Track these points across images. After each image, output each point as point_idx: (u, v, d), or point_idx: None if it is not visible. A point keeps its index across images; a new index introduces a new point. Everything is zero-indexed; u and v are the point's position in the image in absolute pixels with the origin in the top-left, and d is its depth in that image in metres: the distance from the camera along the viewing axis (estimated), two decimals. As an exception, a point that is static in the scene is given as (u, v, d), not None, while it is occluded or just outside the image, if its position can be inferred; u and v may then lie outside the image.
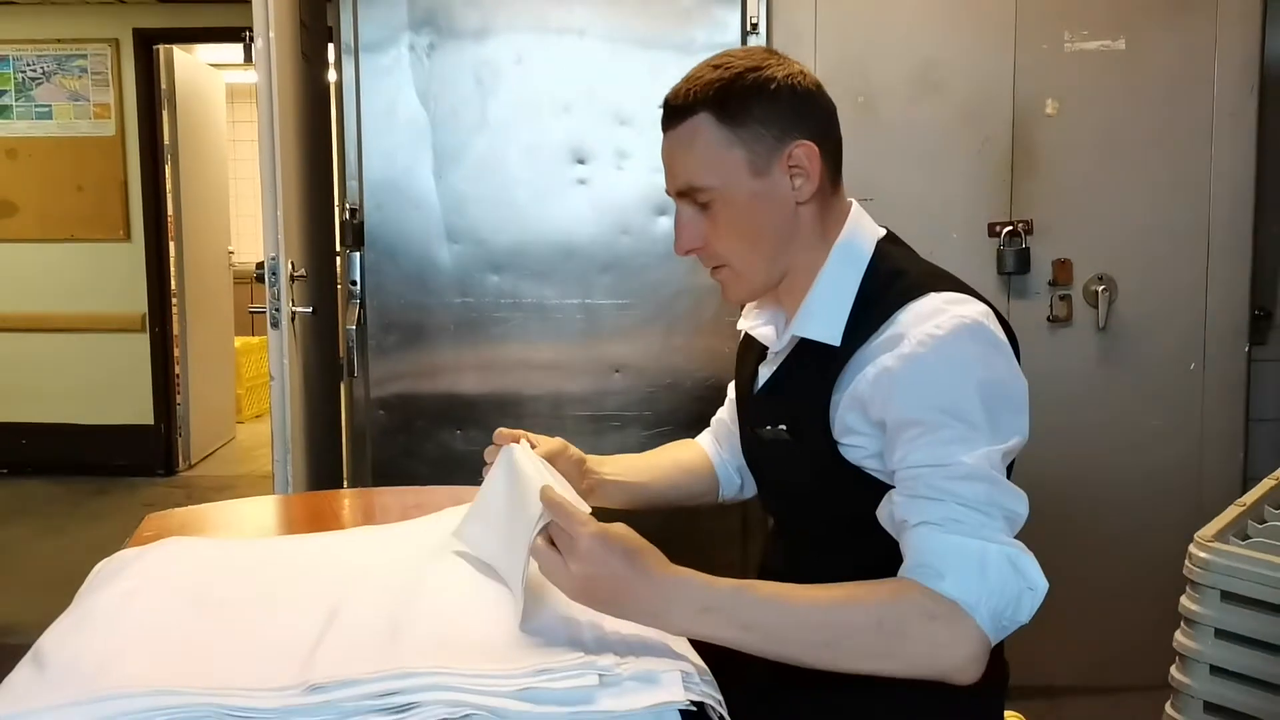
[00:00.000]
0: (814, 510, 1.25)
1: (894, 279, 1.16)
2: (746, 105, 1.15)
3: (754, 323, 1.33)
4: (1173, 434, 2.59)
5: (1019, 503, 1.05)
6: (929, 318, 1.08)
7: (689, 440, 1.54)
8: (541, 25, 2.37)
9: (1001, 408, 1.07)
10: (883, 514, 1.10)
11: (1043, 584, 1.01)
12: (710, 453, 1.50)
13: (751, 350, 1.36)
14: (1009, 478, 1.09)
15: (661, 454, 1.50)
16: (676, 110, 1.18)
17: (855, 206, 1.25)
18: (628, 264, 2.39)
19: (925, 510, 1.04)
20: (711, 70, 1.17)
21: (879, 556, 1.09)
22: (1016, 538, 1.04)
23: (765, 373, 1.29)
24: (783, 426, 1.21)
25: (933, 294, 1.11)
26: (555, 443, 1.32)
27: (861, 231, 1.22)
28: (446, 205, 2.37)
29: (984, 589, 0.99)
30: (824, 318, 1.17)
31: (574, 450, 1.34)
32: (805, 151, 1.17)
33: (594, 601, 0.98)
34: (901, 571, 1.04)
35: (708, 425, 1.56)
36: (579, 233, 2.38)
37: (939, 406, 1.05)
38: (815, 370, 1.17)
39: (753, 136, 1.16)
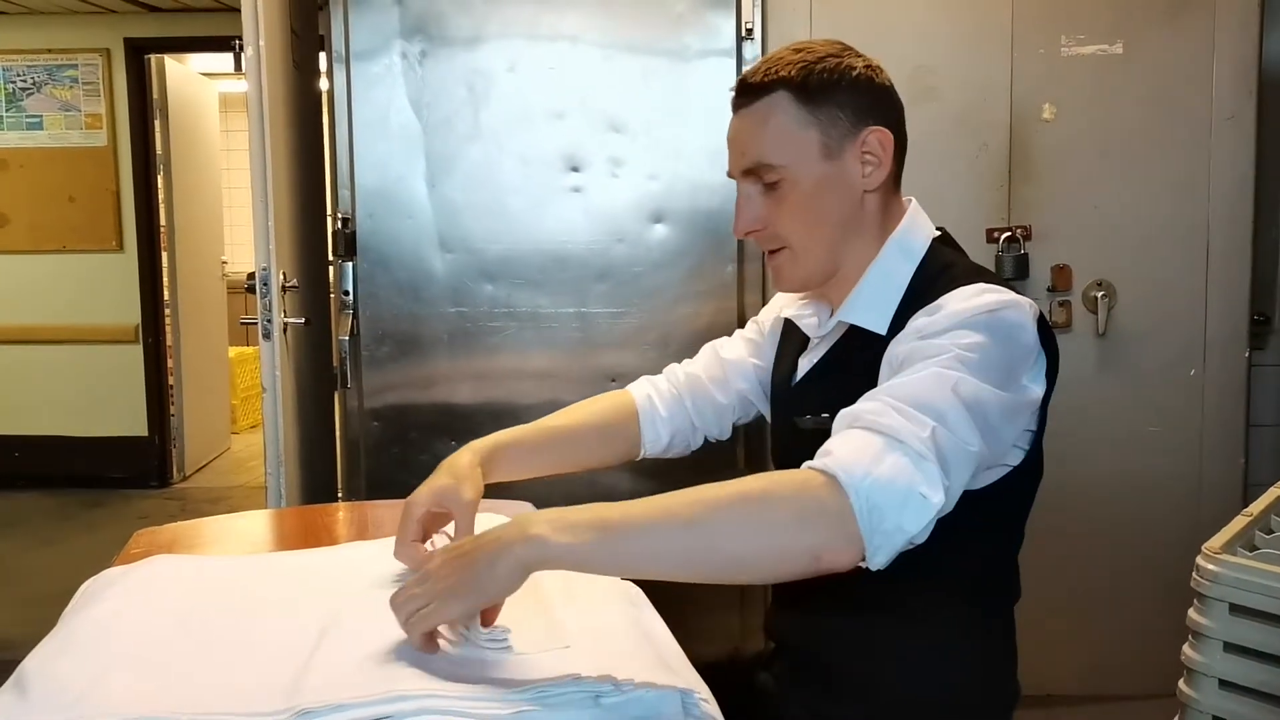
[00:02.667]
0: None
1: (944, 271, 1.17)
2: (827, 87, 1.17)
3: (800, 312, 1.31)
4: (1172, 440, 2.58)
5: (970, 436, 0.97)
6: (971, 296, 1.08)
7: (615, 392, 1.44)
8: (534, 32, 2.35)
9: (994, 367, 1.02)
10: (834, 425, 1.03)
11: (938, 499, 0.93)
12: (641, 406, 1.41)
13: (791, 343, 1.35)
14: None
15: (569, 416, 1.38)
16: (753, 88, 1.18)
17: (914, 204, 1.26)
18: (623, 272, 2.37)
19: (856, 410, 0.99)
20: (793, 53, 1.19)
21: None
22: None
23: (806, 364, 1.28)
24: (825, 415, 1.18)
25: (980, 284, 1.11)
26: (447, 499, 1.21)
27: (918, 228, 1.23)
28: (439, 214, 2.35)
29: (869, 473, 0.91)
30: (873, 306, 1.18)
31: (464, 489, 1.21)
32: (880, 138, 1.18)
33: (469, 575, 0.90)
34: None
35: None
36: (573, 241, 2.36)
37: (935, 341, 1.03)
38: (861, 360, 1.17)
39: (829, 119, 1.17)
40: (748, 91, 1.19)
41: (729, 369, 1.43)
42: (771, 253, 1.23)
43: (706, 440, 1.46)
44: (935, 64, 2.51)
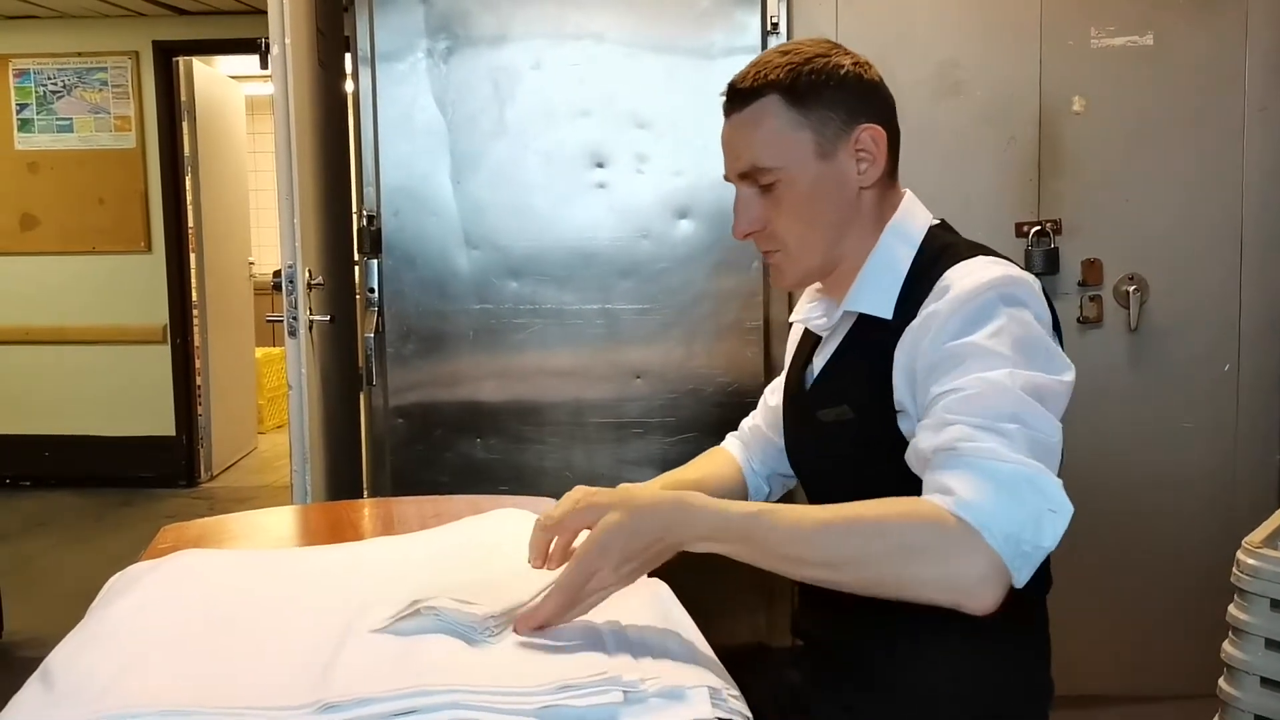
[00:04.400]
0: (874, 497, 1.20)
1: (945, 250, 1.18)
2: (816, 88, 1.17)
3: (809, 315, 1.32)
4: (1207, 436, 2.54)
5: (1048, 426, 0.99)
6: (976, 271, 1.10)
7: (718, 449, 1.51)
8: (559, 30, 2.35)
9: (1033, 349, 1.04)
10: (909, 457, 1.07)
11: (1067, 505, 0.95)
12: (740, 460, 1.48)
13: (805, 345, 1.35)
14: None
15: (700, 470, 1.45)
16: (743, 93, 1.19)
17: (909, 194, 1.26)
18: (648, 268, 2.35)
19: (939, 436, 1.00)
20: (780, 55, 1.19)
21: None
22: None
23: (820, 360, 1.28)
24: (844, 405, 1.20)
25: (982, 257, 1.13)
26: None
27: (915, 215, 1.24)
28: (464, 211, 2.35)
29: (996, 507, 0.92)
30: (876, 292, 1.19)
31: None
32: (873, 135, 1.19)
33: (633, 538, 0.95)
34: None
35: (730, 429, 1.52)
36: (598, 237, 2.36)
37: (967, 340, 1.04)
38: (873, 346, 1.17)
39: (820, 120, 1.17)
40: (737, 97, 1.20)
41: (776, 415, 1.44)
42: (769, 252, 1.24)
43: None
44: (962, 57, 2.49)
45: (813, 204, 1.19)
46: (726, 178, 1.24)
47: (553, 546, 1.05)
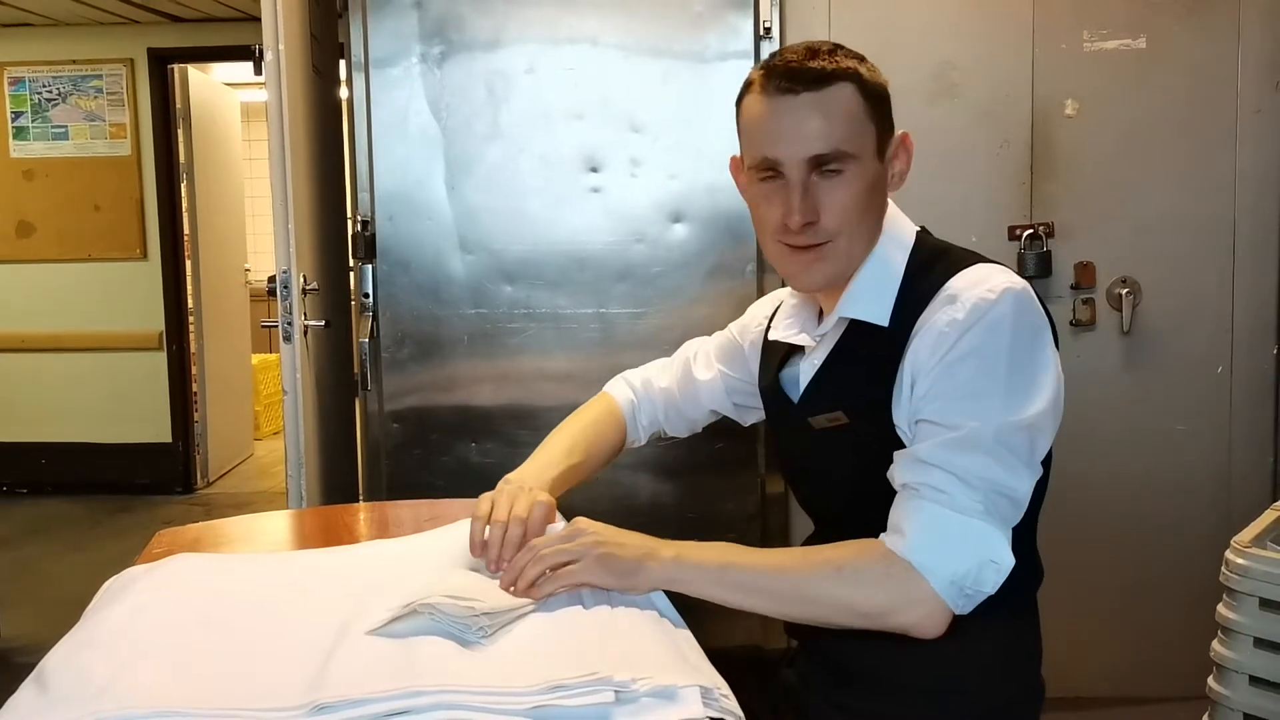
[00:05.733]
0: (870, 502, 1.19)
1: (939, 256, 1.20)
2: (879, 88, 1.19)
3: (785, 333, 1.31)
4: (1201, 438, 2.54)
5: (1018, 480, 1.07)
6: (981, 281, 1.12)
7: (607, 408, 1.53)
8: (553, 34, 2.35)
9: (1028, 378, 1.09)
10: (891, 471, 1.13)
11: (1008, 560, 1.06)
12: (626, 416, 1.53)
13: (774, 357, 1.34)
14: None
15: (585, 450, 1.45)
16: (819, 73, 1.15)
17: (891, 203, 1.26)
18: (643, 272, 2.36)
19: (914, 473, 1.08)
20: (835, 48, 1.18)
21: None
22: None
23: (809, 368, 1.27)
24: (838, 412, 1.20)
25: (980, 264, 1.16)
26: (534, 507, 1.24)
27: (902, 223, 1.26)
28: (459, 216, 2.35)
29: (943, 556, 1.04)
30: (873, 298, 1.19)
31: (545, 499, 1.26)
32: (906, 142, 1.22)
33: (612, 557, 1.10)
34: (885, 534, 1.10)
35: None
36: (593, 241, 2.36)
37: (965, 358, 1.08)
38: (868, 352, 1.18)
39: (882, 118, 1.19)
40: (816, 76, 1.14)
41: (700, 389, 1.51)
42: (813, 246, 1.18)
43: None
44: (956, 60, 2.49)
45: (870, 199, 1.18)
46: (772, 162, 1.16)
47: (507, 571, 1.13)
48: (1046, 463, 1.16)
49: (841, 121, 1.15)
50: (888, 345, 1.15)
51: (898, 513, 1.09)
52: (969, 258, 1.17)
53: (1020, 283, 1.12)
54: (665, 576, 1.09)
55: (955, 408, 1.07)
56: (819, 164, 1.15)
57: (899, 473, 1.11)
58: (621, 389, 1.55)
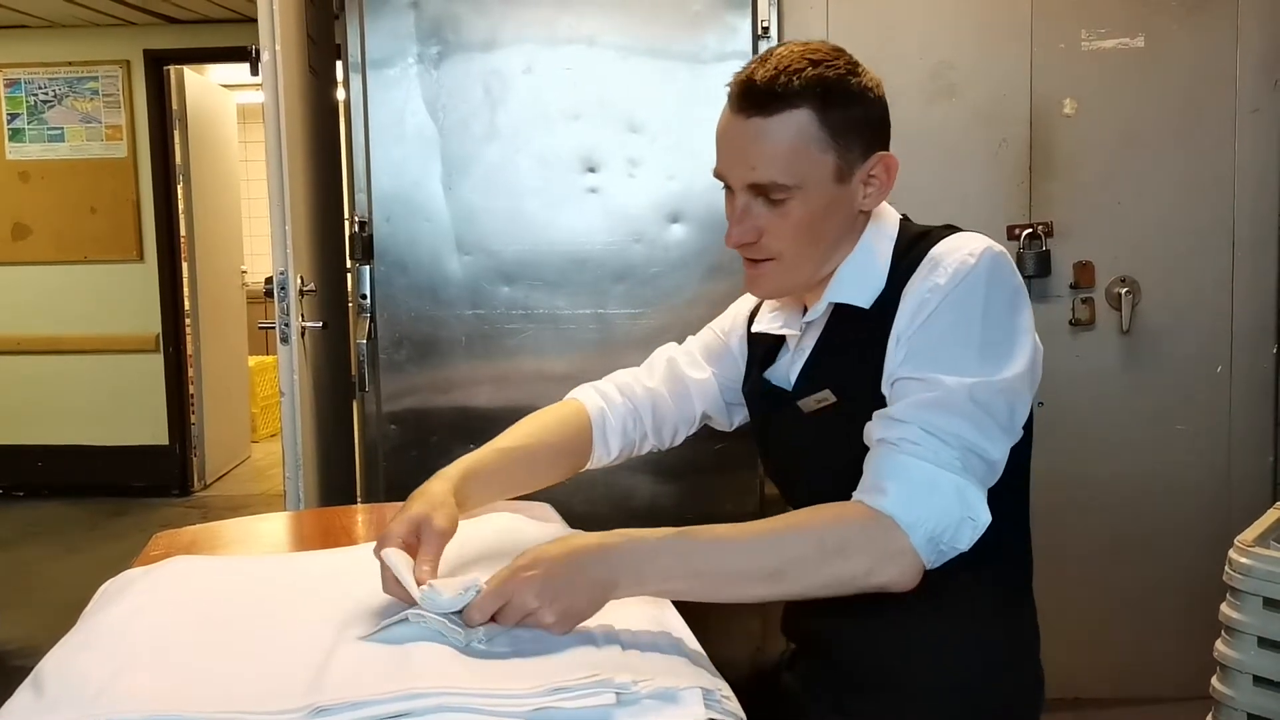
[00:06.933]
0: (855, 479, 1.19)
1: (922, 235, 1.19)
2: (848, 110, 1.13)
3: (769, 326, 1.31)
4: (1200, 438, 2.54)
5: (993, 445, 1.06)
6: (962, 246, 1.12)
7: (569, 403, 1.41)
8: (550, 34, 2.34)
9: (1005, 338, 1.09)
10: (867, 428, 1.11)
11: (985, 517, 1.04)
12: (595, 419, 1.38)
13: (759, 350, 1.34)
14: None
15: (531, 434, 1.35)
16: (770, 96, 1.10)
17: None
18: (641, 273, 2.35)
19: (889, 429, 1.07)
20: (810, 64, 1.12)
21: None
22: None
23: (799, 359, 1.26)
24: (827, 390, 1.19)
25: (961, 233, 1.16)
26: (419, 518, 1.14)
27: (887, 212, 1.24)
28: (456, 216, 2.34)
29: (924, 510, 1.02)
30: (859, 283, 1.19)
31: (436, 518, 1.13)
32: (887, 164, 1.17)
33: (561, 603, 0.97)
34: (856, 490, 1.07)
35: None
36: (591, 242, 2.35)
37: (942, 314, 1.09)
38: (852, 335, 1.18)
39: (846, 145, 1.14)
40: (762, 99, 1.10)
41: (693, 388, 1.42)
42: (758, 261, 1.19)
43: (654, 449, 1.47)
44: (954, 60, 2.49)
45: (820, 223, 1.15)
46: (722, 178, 1.17)
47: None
48: (1029, 427, 1.16)
49: (784, 154, 1.11)
50: (878, 322, 1.15)
51: (874, 468, 1.06)
52: (949, 229, 1.19)
53: (998, 247, 1.13)
54: (626, 594, 1.01)
55: (931, 363, 1.07)
56: (761, 191, 1.14)
57: (875, 429, 1.09)
58: (590, 396, 1.41)
